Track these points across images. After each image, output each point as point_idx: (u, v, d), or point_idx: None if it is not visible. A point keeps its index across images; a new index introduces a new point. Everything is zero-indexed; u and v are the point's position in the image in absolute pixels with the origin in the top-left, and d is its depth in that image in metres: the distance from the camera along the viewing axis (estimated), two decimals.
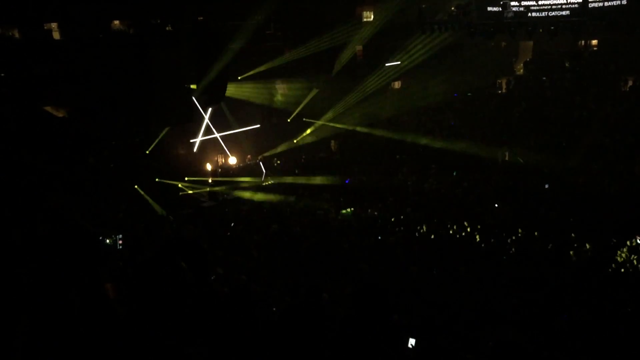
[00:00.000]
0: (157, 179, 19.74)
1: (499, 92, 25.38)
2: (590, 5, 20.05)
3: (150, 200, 18.64)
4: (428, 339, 8.92)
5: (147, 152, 20.12)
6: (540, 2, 21.73)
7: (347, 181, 20.87)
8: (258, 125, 24.07)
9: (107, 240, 14.33)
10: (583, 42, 24.51)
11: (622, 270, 12.51)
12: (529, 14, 21.52)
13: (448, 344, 8.80)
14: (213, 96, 20.60)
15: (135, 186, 19.08)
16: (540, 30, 21.40)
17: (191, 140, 22.41)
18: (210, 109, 22.33)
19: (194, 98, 21.34)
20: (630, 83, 22.19)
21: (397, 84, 27.12)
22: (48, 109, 18.27)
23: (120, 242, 14.43)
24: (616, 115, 20.66)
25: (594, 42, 24.54)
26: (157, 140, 20.33)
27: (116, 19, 19.64)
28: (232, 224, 16.55)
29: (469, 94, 25.44)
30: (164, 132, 20.47)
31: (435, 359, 8.72)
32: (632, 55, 22.20)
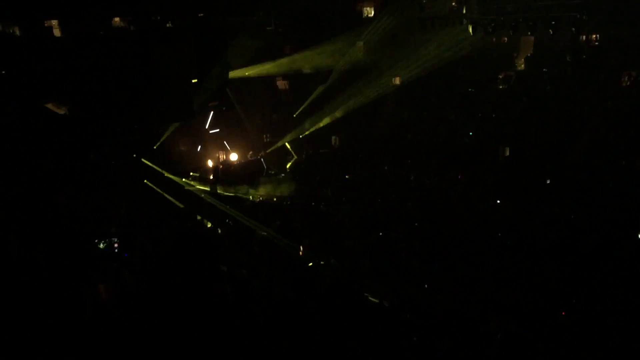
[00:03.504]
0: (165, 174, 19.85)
1: (500, 87, 25.32)
2: None
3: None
4: (431, 333, 8.97)
5: (155, 147, 20.15)
6: None
7: (345, 177, 20.89)
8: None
9: (101, 245, 14.38)
10: (584, 36, 24.42)
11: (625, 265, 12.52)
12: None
13: (451, 338, 8.84)
14: (214, 93, 20.60)
15: (145, 181, 19.17)
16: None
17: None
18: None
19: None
20: (632, 78, 22.10)
21: (397, 80, 27.05)
22: (49, 105, 18.28)
23: (116, 245, 14.47)
24: (617, 110, 20.61)
25: (595, 36, 24.46)
26: (163, 137, 20.36)
27: (117, 16, 19.62)
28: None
29: (471, 89, 25.38)
30: (170, 129, 20.49)
31: (439, 354, 8.77)
32: (633, 50, 22.13)
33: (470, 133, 23.10)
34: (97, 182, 18.05)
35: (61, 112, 18.38)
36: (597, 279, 11.97)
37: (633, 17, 20.35)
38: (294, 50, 24.06)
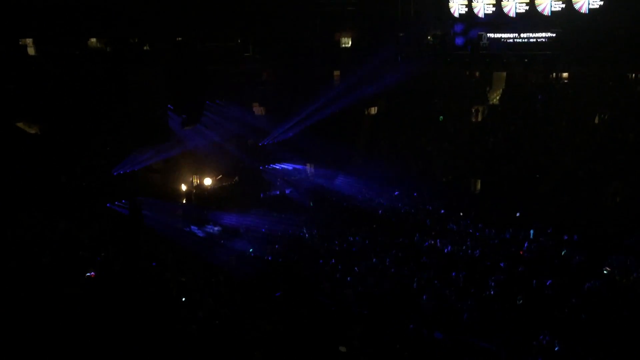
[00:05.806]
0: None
1: (473, 120, 25.75)
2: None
3: None
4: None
5: (113, 172, 19.73)
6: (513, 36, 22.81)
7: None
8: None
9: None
10: (555, 74, 25.08)
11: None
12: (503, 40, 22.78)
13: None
14: (190, 117, 20.46)
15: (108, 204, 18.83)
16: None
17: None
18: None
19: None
20: (600, 115, 22.68)
21: (373, 110, 27.36)
22: (20, 125, 17.93)
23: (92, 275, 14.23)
24: (585, 146, 21.10)
25: (565, 75, 25.12)
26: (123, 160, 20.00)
27: (93, 37, 19.49)
28: None
29: (441, 117, 25.72)
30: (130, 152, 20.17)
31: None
32: (602, 89, 22.79)
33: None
34: (66, 203, 17.65)
35: (32, 131, 18.03)
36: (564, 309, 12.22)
37: (602, 56, 21.05)
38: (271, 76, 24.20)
